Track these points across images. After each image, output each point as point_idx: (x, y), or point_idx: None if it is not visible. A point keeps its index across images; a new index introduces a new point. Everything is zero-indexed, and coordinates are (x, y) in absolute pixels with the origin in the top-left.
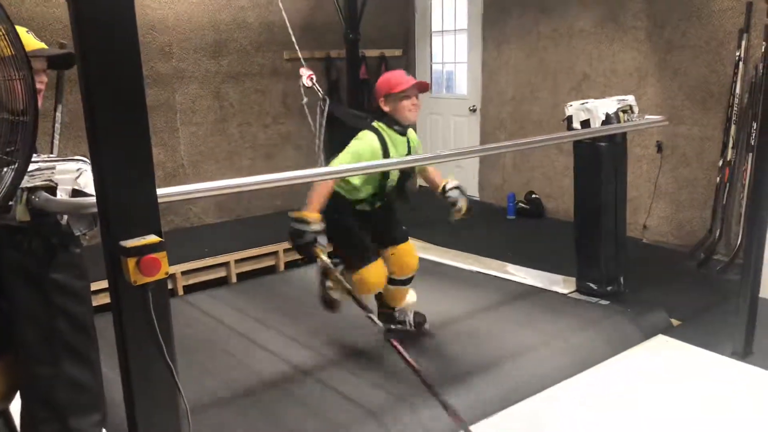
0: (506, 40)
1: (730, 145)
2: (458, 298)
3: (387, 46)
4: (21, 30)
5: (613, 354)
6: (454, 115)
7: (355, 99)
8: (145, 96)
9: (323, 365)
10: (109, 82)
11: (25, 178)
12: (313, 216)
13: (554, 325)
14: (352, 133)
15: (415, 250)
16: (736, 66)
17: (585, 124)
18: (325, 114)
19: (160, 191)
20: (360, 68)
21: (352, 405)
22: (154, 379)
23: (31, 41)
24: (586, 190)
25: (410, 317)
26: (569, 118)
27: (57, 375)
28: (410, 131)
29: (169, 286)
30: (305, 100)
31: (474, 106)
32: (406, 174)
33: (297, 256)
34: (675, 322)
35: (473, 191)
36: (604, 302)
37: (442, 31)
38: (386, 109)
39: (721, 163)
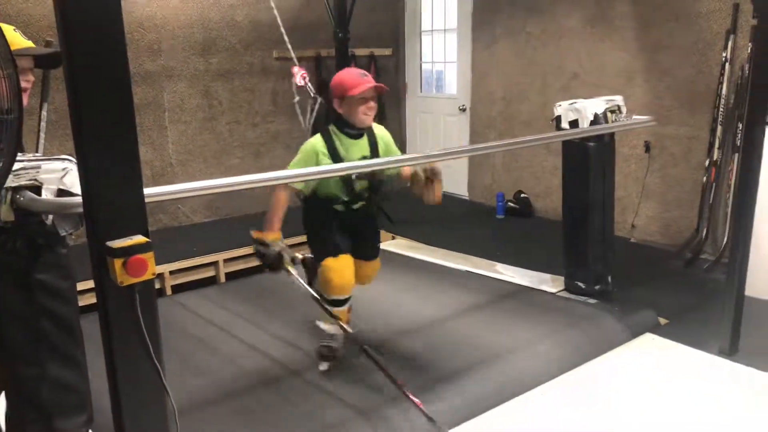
0: (496, 40)
1: (717, 145)
2: (447, 297)
3: (377, 45)
4: (8, 28)
5: (601, 352)
6: (444, 114)
7: None
8: (133, 94)
9: (312, 365)
10: (96, 80)
11: (10, 177)
12: (271, 237)
13: (542, 324)
14: None
15: (377, 267)
16: (723, 67)
17: (573, 124)
18: (314, 113)
19: (148, 191)
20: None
21: (341, 404)
22: (141, 380)
23: (18, 39)
24: (575, 189)
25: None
26: (558, 118)
27: (42, 376)
28: (379, 129)
29: (158, 286)
30: (297, 98)
31: (463, 105)
32: (381, 176)
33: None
34: (662, 320)
35: (462, 190)
36: (592, 301)
37: (432, 30)
38: (340, 111)
39: (707, 163)
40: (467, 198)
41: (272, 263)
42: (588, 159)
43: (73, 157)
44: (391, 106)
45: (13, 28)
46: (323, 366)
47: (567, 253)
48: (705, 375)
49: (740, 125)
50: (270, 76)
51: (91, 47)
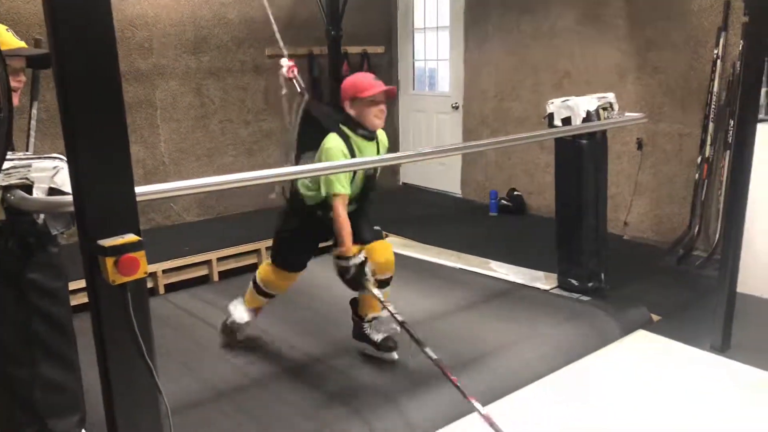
0: (488, 38)
1: (709, 142)
2: (441, 294)
3: (369, 43)
4: (1, 28)
5: (593, 349)
6: (437, 112)
7: (337, 96)
8: (124, 92)
9: (306, 363)
10: (85, 78)
11: (0, 176)
12: (350, 251)
13: (535, 321)
14: (325, 133)
15: (389, 249)
16: (714, 64)
17: (566, 121)
18: (301, 110)
19: (140, 189)
20: (342, 65)
21: (336, 403)
22: (134, 379)
23: (10, 39)
24: (568, 186)
25: (380, 336)
26: (551, 116)
27: (35, 376)
28: (381, 133)
29: (150, 285)
30: (284, 91)
31: (456, 103)
32: (371, 177)
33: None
34: (655, 317)
35: (456, 188)
36: (585, 298)
37: (425, 28)
38: (352, 112)
39: (699, 160)
40: (460, 196)
41: (352, 280)
42: (581, 156)
43: (63, 155)
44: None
45: (6, 28)
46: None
47: (560, 251)
48: (697, 371)
49: (732, 122)
50: (262, 74)
51: (81, 45)
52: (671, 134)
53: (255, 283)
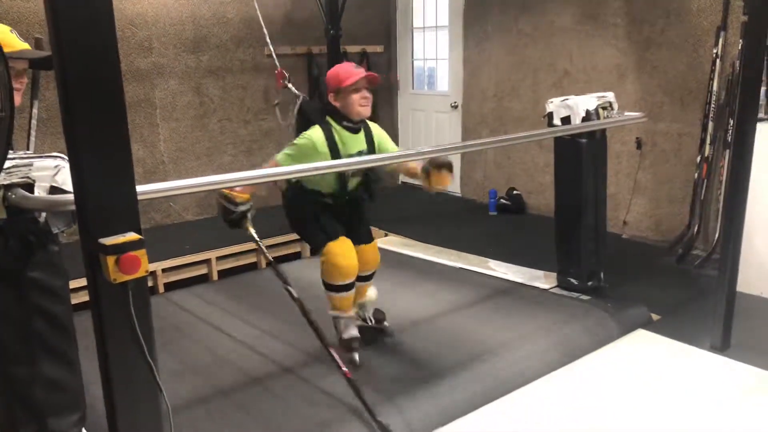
0: (487, 37)
1: (708, 141)
2: (440, 293)
3: (368, 42)
4: (4, 29)
5: (593, 348)
6: (436, 111)
7: None
8: (124, 91)
9: (306, 362)
10: (87, 77)
11: (2, 175)
12: (241, 197)
13: (535, 321)
14: None
15: (377, 249)
16: (714, 63)
17: (565, 120)
18: (296, 110)
19: (140, 188)
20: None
21: (334, 402)
22: (135, 378)
23: (14, 41)
24: (567, 186)
25: (369, 314)
26: (550, 115)
27: (35, 375)
28: (373, 126)
29: (150, 284)
30: (276, 101)
31: (455, 102)
32: (373, 172)
33: (279, 253)
34: (654, 316)
35: (455, 187)
36: (584, 297)
37: (424, 27)
38: (337, 104)
39: (699, 159)
40: (460, 195)
41: (232, 222)
42: (580, 155)
43: (64, 154)
44: (383, 103)
45: (10, 29)
46: (355, 358)
47: (559, 250)
48: (697, 370)
49: (731, 121)
50: (262, 73)
51: (82, 44)
52: (670, 133)
53: (324, 285)
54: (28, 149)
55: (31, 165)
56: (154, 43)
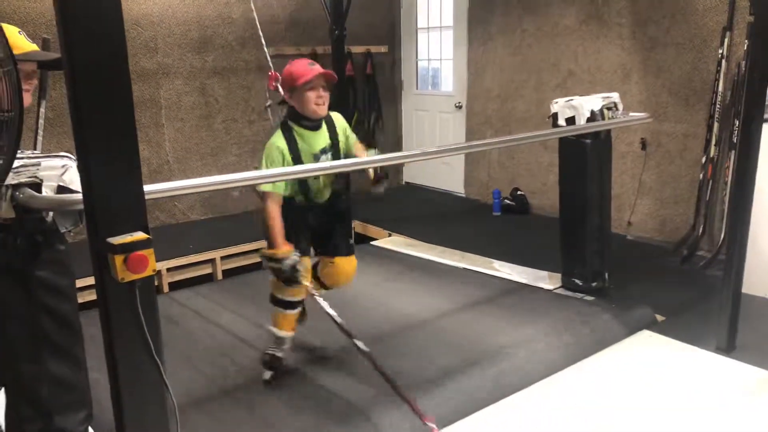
0: (491, 38)
1: (713, 142)
2: (444, 294)
3: (373, 43)
4: (13, 30)
5: (598, 350)
6: (440, 111)
7: (341, 96)
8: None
9: (310, 361)
10: (96, 78)
11: (10, 174)
12: (282, 252)
13: (539, 321)
14: None
15: (354, 264)
16: (719, 63)
17: (570, 121)
18: (281, 118)
19: (145, 188)
20: (346, 65)
21: (339, 401)
22: (142, 376)
23: (23, 43)
24: (572, 186)
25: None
26: (555, 115)
27: (42, 373)
28: (335, 116)
29: (155, 283)
30: (269, 102)
31: (459, 102)
32: (337, 176)
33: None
34: (659, 317)
35: (459, 188)
36: (589, 298)
37: (428, 27)
38: (292, 103)
39: (704, 159)
40: (464, 195)
41: (287, 280)
42: (585, 156)
43: (71, 153)
44: (387, 103)
45: (18, 30)
46: (266, 375)
47: (564, 250)
48: (702, 372)
49: (737, 122)
50: (266, 74)
51: (91, 45)
52: (675, 134)
53: (271, 298)
54: (35, 149)
55: (38, 165)
56: (160, 43)
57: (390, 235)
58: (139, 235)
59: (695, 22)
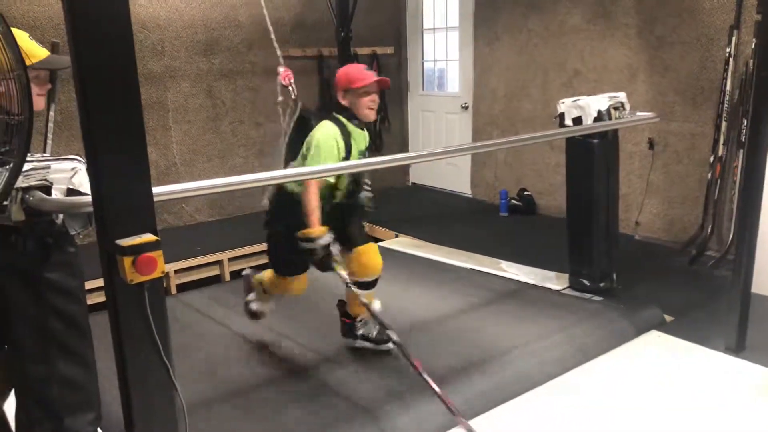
0: (497, 38)
1: (721, 141)
2: (451, 294)
3: (379, 44)
4: (23, 35)
5: (606, 350)
6: (446, 112)
7: None
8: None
9: (318, 363)
10: (104, 81)
11: (20, 177)
12: (317, 231)
13: (547, 322)
14: None
15: (377, 252)
16: (727, 62)
17: (577, 121)
18: (295, 116)
19: (154, 190)
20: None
21: (347, 402)
22: (151, 377)
23: (35, 49)
24: (579, 186)
25: (373, 332)
26: (561, 115)
27: (51, 374)
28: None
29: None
30: (280, 98)
31: (466, 103)
32: (356, 174)
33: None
34: (668, 317)
35: (466, 188)
36: (596, 298)
37: (434, 28)
38: (344, 103)
39: (712, 159)
40: (470, 196)
41: (320, 262)
42: (592, 156)
43: (80, 156)
44: (393, 105)
45: (28, 35)
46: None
47: (571, 251)
48: (711, 372)
49: (745, 121)
50: (273, 76)
51: (100, 48)
52: (683, 133)
53: (263, 288)
54: (44, 152)
55: (48, 167)
56: (167, 46)
57: (397, 236)
58: (148, 237)
59: (702, 20)
